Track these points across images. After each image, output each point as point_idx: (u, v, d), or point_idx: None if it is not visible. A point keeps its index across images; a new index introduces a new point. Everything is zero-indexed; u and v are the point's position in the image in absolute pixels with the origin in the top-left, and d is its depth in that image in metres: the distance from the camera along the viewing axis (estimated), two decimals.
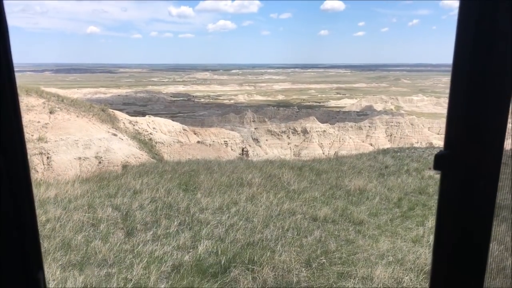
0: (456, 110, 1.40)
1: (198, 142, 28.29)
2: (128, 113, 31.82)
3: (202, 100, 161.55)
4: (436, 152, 1.47)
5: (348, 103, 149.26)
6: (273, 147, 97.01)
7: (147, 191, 8.32)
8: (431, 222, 7.36)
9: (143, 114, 39.99)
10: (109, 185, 9.04)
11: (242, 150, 36.85)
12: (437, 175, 12.33)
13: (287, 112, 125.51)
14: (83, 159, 14.81)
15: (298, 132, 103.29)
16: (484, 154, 1.41)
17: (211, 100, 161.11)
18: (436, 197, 8.38)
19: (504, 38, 1.31)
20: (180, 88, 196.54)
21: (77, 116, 17.03)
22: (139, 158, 16.28)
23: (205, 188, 8.96)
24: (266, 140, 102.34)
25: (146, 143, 21.05)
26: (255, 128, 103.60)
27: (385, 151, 16.67)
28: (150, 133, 23.26)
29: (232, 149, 33.99)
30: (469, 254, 1.48)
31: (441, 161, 1.46)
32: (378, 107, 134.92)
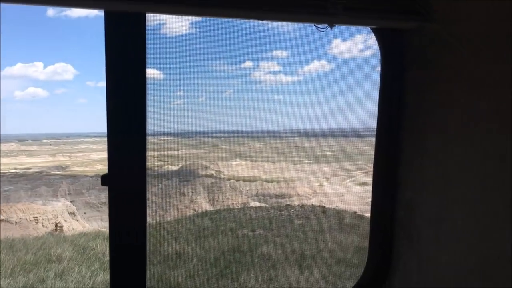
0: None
1: (1, 220, 25.01)
2: None
3: (8, 173, 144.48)
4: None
5: (171, 170, 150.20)
6: (93, 220, 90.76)
7: None
8: (243, 277, 7.81)
9: None
10: None
11: (56, 225, 33.68)
12: (250, 233, 13.10)
13: None
14: None
15: None
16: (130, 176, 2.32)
17: (19, 173, 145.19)
18: (249, 253, 8.90)
19: None
20: None
21: None
22: None
23: (6, 269, 8.00)
24: (85, 213, 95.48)
25: None
26: (71, 201, 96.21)
27: (203, 214, 17.17)
28: None
29: (43, 226, 30.77)
30: None
31: (106, 179, 2.32)
32: (200, 172, 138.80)
